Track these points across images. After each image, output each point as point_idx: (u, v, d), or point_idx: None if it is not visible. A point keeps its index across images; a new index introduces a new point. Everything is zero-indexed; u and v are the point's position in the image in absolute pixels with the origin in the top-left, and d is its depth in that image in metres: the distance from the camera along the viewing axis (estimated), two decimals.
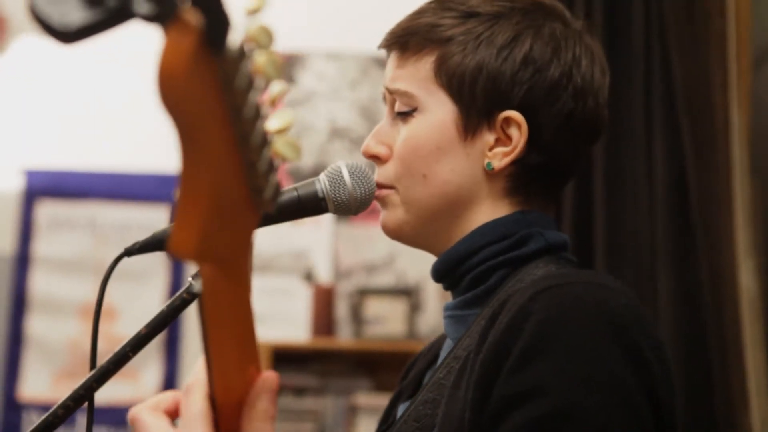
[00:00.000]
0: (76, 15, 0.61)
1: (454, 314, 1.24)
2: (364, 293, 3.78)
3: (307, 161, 3.99)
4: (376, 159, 1.28)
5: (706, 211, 2.24)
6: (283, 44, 3.99)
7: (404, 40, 1.27)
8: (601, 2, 2.39)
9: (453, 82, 1.22)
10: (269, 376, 0.83)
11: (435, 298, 3.75)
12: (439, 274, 1.26)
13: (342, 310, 3.78)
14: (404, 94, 1.25)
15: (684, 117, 2.24)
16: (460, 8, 1.26)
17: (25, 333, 3.92)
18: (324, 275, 3.84)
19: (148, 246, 1.28)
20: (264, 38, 0.67)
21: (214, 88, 0.63)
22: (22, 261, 3.95)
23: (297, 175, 3.97)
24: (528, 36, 1.23)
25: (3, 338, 3.92)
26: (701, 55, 2.29)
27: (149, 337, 1.25)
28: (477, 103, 1.22)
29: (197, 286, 0.75)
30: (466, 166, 1.23)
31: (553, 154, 1.24)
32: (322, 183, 1.26)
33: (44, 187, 4.01)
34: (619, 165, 2.31)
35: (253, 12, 0.67)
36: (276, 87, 0.68)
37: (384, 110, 1.32)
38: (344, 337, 3.75)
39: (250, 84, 0.65)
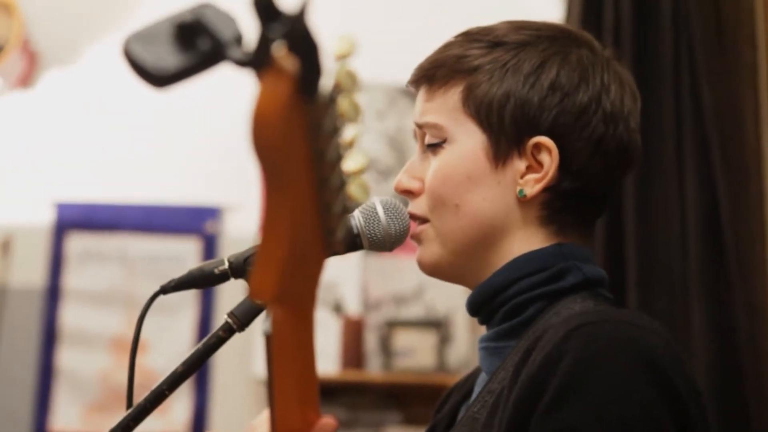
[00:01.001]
0: (170, 59, 0.62)
1: (488, 346, 1.23)
2: (393, 325, 3.77)
3: None
4: (408, 194, 1.28)
5: (739, 240, 2.22)
6: None
7: (431, 73, 1.27)
8: (630, 32, 2.38)
9: (481, 111, 1.22)
10: (328, 422, 0.83)
11: (465, 330, 3.74)
12: (474, 306, 1.26)
13: (371, 342, 3.78)
14: (433, 126, 1.25)
15: (715, 147, 2.22)
16: (486, 38, 1.26)
17: (56, 366, 3.93)
18: (353, 307, 3.84)
19: (184, 284, 1.27)
20: (349, 82, 0.67)
21: (303, 132, 0.64)
22: (53, 294, 3.97)
23: None
24: (555, 62, 1.23)
25: (34, 371, 3.93)
26: (731, 84, 2.28)
27: (186, 375, 1.25)
28: (506, 131, 1.21)
29: (266, 326, 0.75)
30: (498, 195, 1.22)
31: (586, 179, 1.22)
32: (356, 220, 1.25)
33: (75, 220, 4.03)
34: (651, 195, 2.29)
35: (343, 57, 0.67)
36: (353, 130, 0.68)
37: (414, 146, 1.32)
38: (373, 370, 3.74)
39: (335, 128, 0.66)
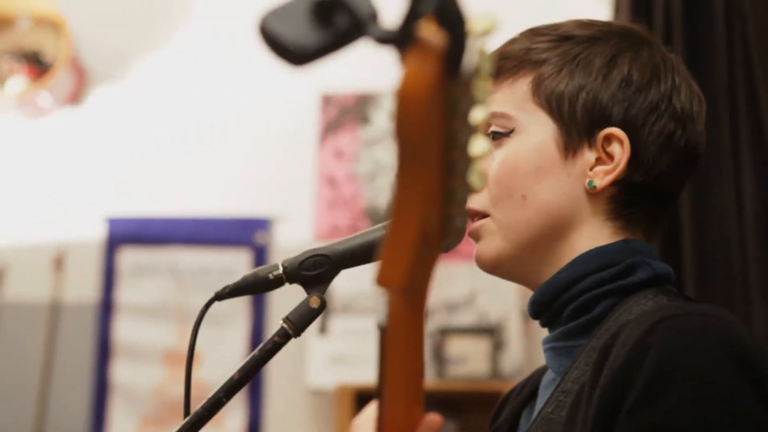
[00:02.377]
0: (310, 36, 0.60)
1: (555, 346, 1.21)
2: (445, 332, 3.75)
3: (384, 201, 3.98)
4: None
5: None
6: (357, 84, 4.01)
7: (498, 65, 1.26)
8: (681, 32, 2.35)
9: (552, 101, 1.21)
10: (434, 419, 0.81)
11: (518, 336, 3.71)
12: (538, 305, 1.23)
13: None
14: (501, 116, 1.23)
15: None
16: (554, 33, 1.25)
17: (111, 380, 3.95)
18: None
19: (238, 290, 1.27)
20: (485, 63, 0.64)
21: (442, 113, 0.62)
22: (106, 308, 4.00)
23: (374, 215, 3.97)
24: (626, 58, 1.22)
25: (89, 385, 3.96)
26: None
27: (242, 382, 1.25)
28: (578, 121, 1.20)
29: (381, 318, 0.73)
30: (566, 186, 1.21)
31: (655, 175, 1.21)
32: None
33: (126, 235, 4.06)
34: (707, 196, 2.26)
35: (484, 34, 0.64)
36: (480, 113, 0.65)
37: None
38: (427, 378, 3.72)
39: (470, 109, 0.63)
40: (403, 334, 0.74)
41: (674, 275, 1.23)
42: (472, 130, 0.65)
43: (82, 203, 4.09)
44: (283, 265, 1.25)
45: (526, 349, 3.70)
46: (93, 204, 4.08)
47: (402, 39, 0.59)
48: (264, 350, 1.25)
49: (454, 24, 0.60)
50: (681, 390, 0.96)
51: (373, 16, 0.61)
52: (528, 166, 1.21)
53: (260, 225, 4.02)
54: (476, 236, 1.25)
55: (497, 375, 3.67)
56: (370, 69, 4.04)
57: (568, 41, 1.24)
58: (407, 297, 0.71)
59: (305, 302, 1.24)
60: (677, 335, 0.99)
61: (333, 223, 3.98)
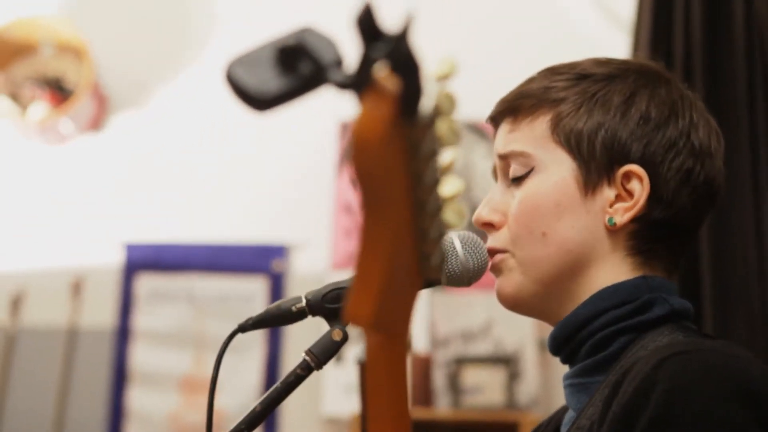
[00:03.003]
0: (272, 83, 0.62)
1: (573, 383, 1.21)
2: (461, 362, 3.74)
3: None
4: (489, 227, 1.27)
5: None
6: None
7: (516, 104, 1.27)
8: (700, 62, 2.36)
9: (571, 139, 1.22)
10: None
11: (534, 366, 3.70)
12: (558, 341, 1.23)
13: (439, 379, 3.75)
14: (521, 155, 1.24)
15: None
16: (572, 72, 1.26)
17: (127, 406, 3.95)
18: (420, 344, 3.81)
19: (262, 322, 1.28)
20: (447, 105, 0.66)
21: (402, 154, 0.63)
22: (123, 334, 4.01)
23: None
24: (644, 95, 1.23)
25: (105, 411, 3.96)
26: None
27: (264, 414, 1.25)
28: (597, 159, 1.21)
29: (360, 354, 0.74)
30: (587, 223, 1.21)
31: (674, 211, 1.22)
32: None
33: (144, 261, 4.07)
34: (726, 227, 2.26)
35: (444, 78, 0.66)
36: (450, 154, 0.67)
37: (484, 181, 1.32)
38: (442, 408, 3.71)
39: (433, 151, 0.65)
40: (384, 370, 0.75)
41: (693, 311, 1.23)
42: (439, 170, 0.66)
43: (101, 229, 4.11)
44: (306, 297, 1.26)
45: (542, 379, 3.69)
46: (111, 230, 4.10)
47: (359, 84, 0.60)
48: (286, 382, 1.25)
49: (406, 68, 0.61)
50: (687, 425, 0.97)
51: (338, 62, 0.62)
52: (548, 204, 1.21)
53: (277, 252, 4.03)
54: (497, 271, 1.26)
55: (513, 405, 3.66)
56: None
57: (586, 80, 1.25)
58: (386, 333, 0.72)
59: (327, 335, 1.25)
60: (684, 371, 1.00)
61: (350, 251, 3.98)
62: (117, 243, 4.08)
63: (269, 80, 0.62)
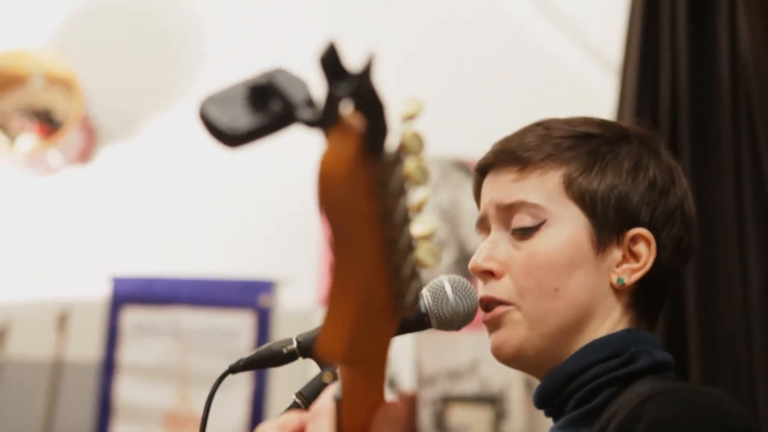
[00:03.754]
0: (243, 120, 0.63)
1: None
2: (447, 401, 3.74)
3: None
4: (488, 275, 1.28)
5: None
6: None
7: (524, 155, 1.28)
8: (687, 111, 2.38)
9: (585, 198, 1.25)
10: (393, 406, 0.81)
11: (520, 405, 3.70)
12: (545, 394, 1.24)
13: (425, 417, 3.74)
14: (532, 206, 1.26)
15: None
16: (573, 130, 1.29)
17: None
18: (407, 382, 3.81)
19: (252, 363, 1.28)
20: (415, 144, 0.67)
21: (370, 192, 0.64)
22: (108, 368, 3.99)
23: None
24: (651, 162, 1.30)
25: None
26: None
27: None
28: (610, 219, 1.25)
29: (337, 391, 0.75)
30: (596, 281, 1.25)
31: (668, 273, 1.29)
32: (424, 298, 1.25)
33: (130, 294, 4.06)
34: (712, 279, 2.27)
35: (409, 118, 0.67)
36: (421, 192, 0.68)
37: (468, 221, 1.33)
38: None
39: (401, 189, 0.66)
40: (359, 406, 0.75)
41: (674, 363, 1.26)
42: (410, 208, 0.67)
43: (88, 262, 4.10)
44: (297, 339, 1.26)
45: (528, 419, 3.69)
46: (98, 263, 4.09)
47: (325, 122, 0.62)
48: None
49: (370, 107, 0.62)
50: None
51: (308, 101, 0.63)
52: (563, 260, 1.24)
53: (264, 288, 4.02)
54: (496, 324, 1.26)
55: None
56: None
57: (594, 140, 1.28)
58: (361, 369, 0.73)
59: (318, 377, 1.25)
60: (666, 408, 1.04)
61: None
62: (104, 276, 4.07)
63: (240, 118, 0.64)
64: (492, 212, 1.30)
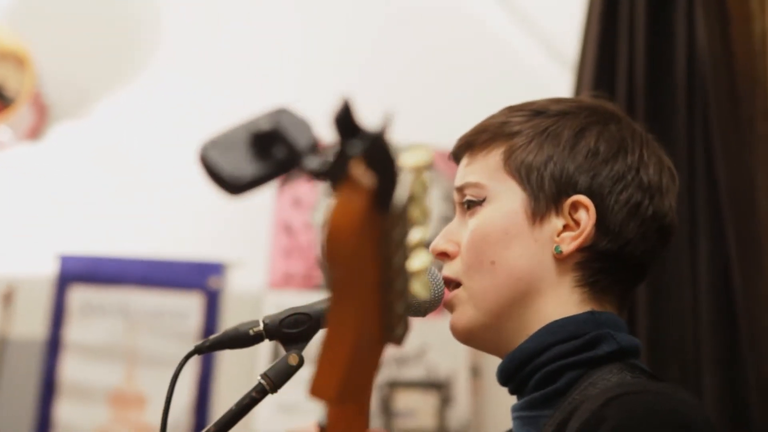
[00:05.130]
0: (246, 168, 0.62)
1: (522, 415, 1.24)
2: (394, 386, 3.76)
3: None
4: (444, 256, 1.30)
5: (751, 314, 2.23)
6: (319, 132, 4.04)
7: (473, 139, 1.31)
8: (643, 107, 2.41)
9: (521, 170, 1.26)
10: None
11: (466, 392, 3.73)
12: (506, 373, 1.26)
13: (372, 402, 3.76)
14: (474, 185, 1.28)
15: (728, 221, 2.24)
16: (528, 108, 1.30)
17: (54, 419, 3.90)
18: None
19: (218, 344, 1.29)
20: (421, 191, 0.68)
21: (374, 242, 0.65)
22: (54, 346, 3.96)
23: None
24: (594, 131, 1.27)
25: (32, 423, 3.90)
26: (745, 158, 2.31)
27: None
28: (545, 189, 1.25)
29: (322, 419, 0.75)
30: (534, 252, 1.25)
31: (623, 243, 1.25)
32: None
33: (77, 273, 4.03)
34: (662, 267, 2.31)
35: (419, 170, 0.67)
36: (419, 232, 0.69)
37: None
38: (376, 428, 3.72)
39: (404, 236, 0.67)
40: None
41: (641, 348, 1.27)
42: (408, 251, 0.68)
43: (36, 239, 4.06)
44: (264, 321, 1.27)
45: (473, 405, 3.73)
46: (46, 240, 4.05)
47: (333, 175, 0.62)
48: (241, 405, 1.27)
49: (382, 165, 0.63)
50: None
51: (312, 147, 0.64)
52: (497, 233, 1.25)
53: (214, 269, 4.02)
54: (450, 307, 1.29)
55: (444, 430, 3.69)
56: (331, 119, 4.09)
57: (541, 115, 1.29)
58: (348, 404, 0.73)
59: (284, 359, 1.27)
60: (630, 411, 1.04)
61: (287, 271, 3.99)
62: (51, 254, 4.03)
63: (243, 165, 0.63)
64: (455, 196, 1.33)
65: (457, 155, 1.35)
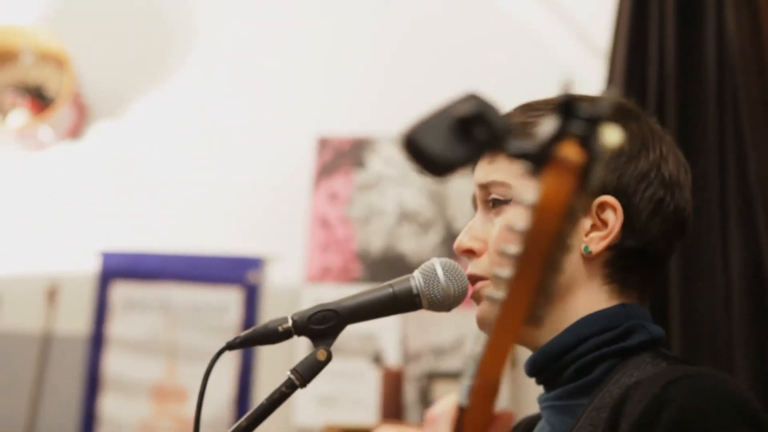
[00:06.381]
0: (455, 150, 0.66)
1: (555, 404, 1.26)
2: (432, 377, 3.79)
3: (376, 244, 4.03)
4: (470, 254, 1.32)
5: None
6: (351, 128, 4.07)
7: None
8: (674, 95, 2.41)
9: None
10: (505, 414, 0.83)
11: (503, 381, 3.75)
12: (537, 366, 1.28)
13: (410, 393, 3.79)
14: (501, 185, 1.29)
15: (759, 209, 2.24)
16: (547, 108, 1.31)
17: (99, 413, 3.97)
18: (392, 358, 3.86)
19: (249, 340, 1.32)
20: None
21: (564, 219, 0.67)
22: (97, 341, 4.03)
23: (366, 258, 4.02)
24: None
25: (77, 418, 3.97)
26: None
27: (249, 429, 1.29)
28: None
29: (463, 399, 0.77)
30: None
31: (647, 239, 1.28)
32: (416, 280, 1.29)
33: (119, 269, 4.09)
34: (695, 257, 2.31)
35: (613, 150, 0.68)
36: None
37: (459, 203, 1.36)
38: (413, 421, 3.75)
39: (577, 214, 0.68)
40: (481, 415, 0.78)
41: (665, 337, 1.29)
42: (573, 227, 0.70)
43: (78, 237, 4.13)
44: (292, 318, 1.30)
45: (511, 394, 3.74)
46: (88, 238, 4.12)
47: (541, 156, 0.64)
48: (271, 399, 1.30)
49: (594, 146, 0.65)
50: None
51: (509, 130, 0.66)
52: None
53: (253, 264, 4.06)
54: (477, 299, 1.31)
55: None
56: (366, 113, 4.12)
57: None
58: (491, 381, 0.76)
59: (313, 355, 1.29)
60: (694, 394, 1.06)
61: (325, 265, 4.03)
62: (93, 251, 4.10)
63: (449, 148, 0.66)
64: (477, 192, 1.34)
65: None
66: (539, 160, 0.65)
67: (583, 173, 0.65)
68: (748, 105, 2.31)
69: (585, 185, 0.65)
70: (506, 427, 0.81)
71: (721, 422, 1.04)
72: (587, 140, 0.64)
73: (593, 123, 0.64)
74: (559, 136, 0.64)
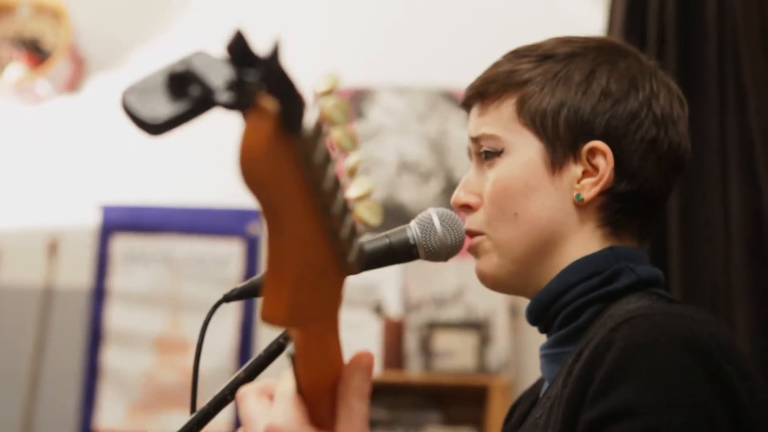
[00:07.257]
0: (163, 109, 0.66)
1: (548, 353, 1.26)
2: (433, 326, 3.80)
3: (376, 195, 4.03)
4: (466, 208, 1.31)
5: None
6: (351, 79, 4.05)
7: (483, 89, 1.31)
8: (674, 41, 2.40)
9: (536, 120, 1.26)
10: (364, 354, 0.84)
11: (505, 331, 3.77)
12: (534, 315, 1.28)
13: (411, 343, 3.81)
14: (490, 137, 1.28)
15: (760, 157, 2.24)
16: (535, 53, 1.30)
17: (102, 365, 4.00)
18: (393, 308, 3.88)
19: (247, 292, 1.31)
20: (338, 114, 0.70)
21: (294, 166, 0.67)
22: (99, 294, 4.04)
23: None
24: (604, 71, 1.27)
25: (80, 370, 4.00)
26: None
27: (247, 381, 1.29)
28: (561, 137, 1.25)
29: (290, 349, 0.79)
30: (556, 200, 1.25)
31: (641, 181, 1.26)
32: (413, 230, 1.29)
33: (120, 222, 4.10)
34: (694, 203, 2.31)
35: (325, 94, 0.71)
36: (353, 158, 0.73)
37: (458, 152, 1.35)
38: (414, 371, 3.77)
39: (327, 158, 0.69)
40: (314, 359, 0.79)
41: (662, 277, 1.28)
42: (338, 176, 0.71)
43: (78, 190, 4.13)
44: None
45: (512, 344, 3.76)
46: (88, 191, 4.12)
47: (242, 105, 0.65)
48: (269, 351, 1.29)
49: (281, 89, 0.65)
50: (638, 377, 1.01)
51: (227, 84, 0.65)
52: (518, 185, 1.26)
53: (253, 216, 4.06)
54: (475, 252, 1.31)
55: (483, 369, 3.73)
56: (365, 64, 4.09)
57: (549, 60, 1.28)
58: (311, 327, 0.76)
59: None
60: (638, 332, 1.04)
61: None
62: (94, 204, 4.10)
63: (159, 107, 0.66)
64: (471, 146, 1.33)
65: (467, 105, 1.35)
66: (242, 110, 0.65)
67: (285, 117, 0.65)
68: (748, 50, 2.29)
69: (295, 128, 0.66)
70: (365, 367, 0.83)
71: (660, 356, 1.02)
72: (272, 86, 0.65)
73: (269, 68, 0.65)
74: (242, 86, 0.65)
